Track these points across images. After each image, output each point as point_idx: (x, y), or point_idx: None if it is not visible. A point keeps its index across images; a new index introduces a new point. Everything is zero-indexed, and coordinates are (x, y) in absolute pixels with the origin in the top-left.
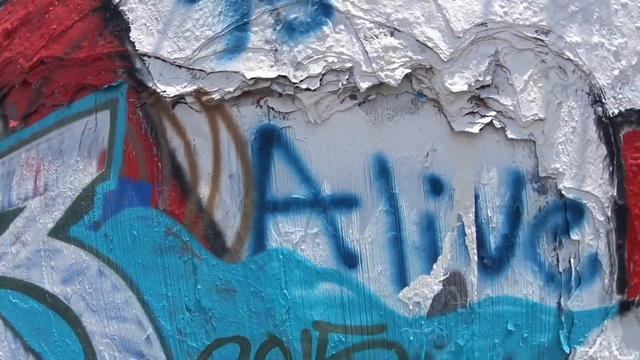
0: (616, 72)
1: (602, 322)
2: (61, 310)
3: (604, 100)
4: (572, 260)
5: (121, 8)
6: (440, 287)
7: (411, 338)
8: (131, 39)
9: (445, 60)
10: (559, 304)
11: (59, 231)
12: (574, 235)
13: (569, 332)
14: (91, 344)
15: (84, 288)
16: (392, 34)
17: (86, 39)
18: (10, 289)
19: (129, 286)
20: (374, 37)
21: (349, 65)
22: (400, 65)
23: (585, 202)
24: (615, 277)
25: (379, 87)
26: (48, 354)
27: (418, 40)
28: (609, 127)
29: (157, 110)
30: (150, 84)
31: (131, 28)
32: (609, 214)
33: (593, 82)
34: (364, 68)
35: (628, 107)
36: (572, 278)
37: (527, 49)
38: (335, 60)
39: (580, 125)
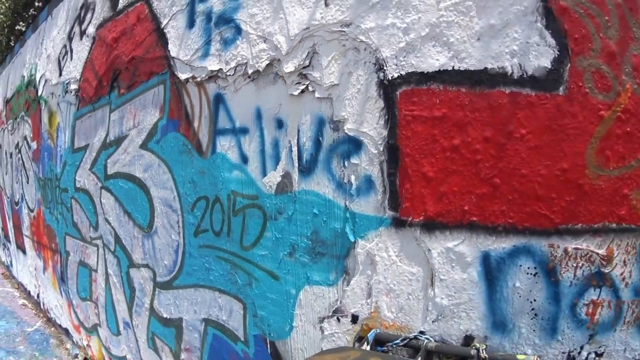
0: (402, 45)
1: (378, 228)
2: (142, 186)
3: (385, 68)
4: (352, 176)
5: (164, 30)
6: (280, 179)
7: (267, 205)
8: (168, 48)
9: (285, 54)
10: (345, 204)
11: (143, 145)
12: (354, 160)
13: (353, 226)
14: (153, 204)
15: (152, 174)
16: (264, 42)
17: (151, 47)
18: (120, 178)
19: (169, 171)
20: (256, 45)
21: (245, 61)
22: (266, 59)
23: (363, 138)
24: (388, 197)
25: (258, 72)
26: (134, 212)
27: (274, 44)
28: (388, 87)
29: (180, 85)
30: (176, 72)
31: (168, 42)
32: (382, 149)
33: (378, 56)
34: (251, 62)
35: (410, 71)
36: (353, 188)
37: (333, 39)
38: (240, 59)
39: (364, 87)
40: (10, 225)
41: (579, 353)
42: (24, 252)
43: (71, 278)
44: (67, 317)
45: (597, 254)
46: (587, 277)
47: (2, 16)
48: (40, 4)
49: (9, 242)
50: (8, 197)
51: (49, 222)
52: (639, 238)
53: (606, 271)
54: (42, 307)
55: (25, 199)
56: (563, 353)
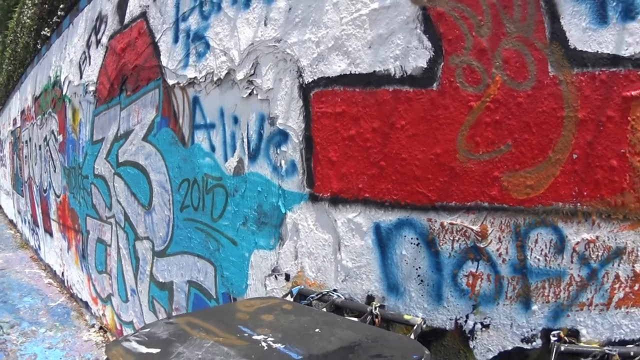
0: (315, 55)
1: (300, 202)
2: (144, 172)
3: (303, 74)
4: (282, 161)
5: (158, 44)
6: (236, 163)
7: (228, 184)
8: (160, 59)
9: (237, 65)
10: (279, 183)
11: (144, 138)
12: (283, 148)
13: (284, 201)
14: (152, 186)
15: (150, 161)
16: (224, 55)
17: (148, 57)
18: (128, 165)
19: (162, 158)
20: (219, 57)
21: (212, 70)
22: (225, 69)
23: (289, 131)
24: (306, 177)
25: (221, 79)
26: (138, 193)
27: (231, 57)
28: (305, 90)
29: (169, 89)
30: (166, 79)
31: (161, 54)
32: (301, 139)
33: (299, 65)
34: (216, 71)
35: (320, 76)
36: (283, 170)
37: (269, 52)
38: (209, 69)
39: (290, 90)
40: (39, 211)
41: (466, 322)
42: (51, 235)
43: (90, 254)
44: (87, 291)
45: (472, 229)
46: (464, 250)
47: (28, 20)
48: (62, 13)
49: (38, 227)
50: (37, 186)
51: (72, 206)
52: (512, 217)
53: (482, 246)
54: (65, 284)
55: (53, 187)
56: (450, 319)
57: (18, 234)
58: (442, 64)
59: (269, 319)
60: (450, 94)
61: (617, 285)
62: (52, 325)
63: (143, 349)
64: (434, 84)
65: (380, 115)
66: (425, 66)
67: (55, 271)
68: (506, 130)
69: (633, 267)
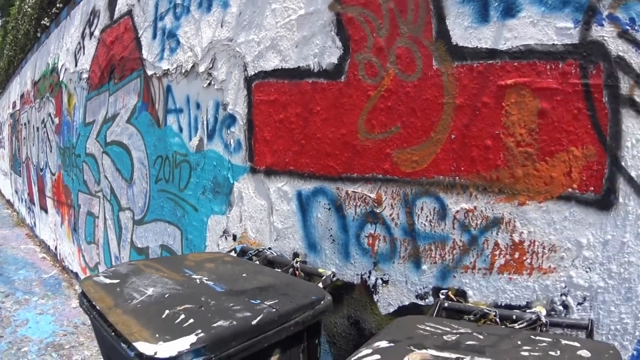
0: (256, 53)
1: (243, 174)
2: (127, 150)
3: (247, 69)
4: (232, 140)
5: (140, 39)
6: (197, 142)
7: (192, 160)
8: (142, 52)
9: (200, 59)
10: (229, 159)
11: (128, 120)
12: (232, 129)
13: (232, 173)
14: (133, 162)
15: (132, 141)
16: (190, 51)
17: (132, 50)
18: (114, 145)
19: (142, 138)
20: (186, 52)
21: (181, 64)
22: (191, 62)
23: (236, 115)
24: (248, 153)
25: (187, 71)
26: (122, 169)
27: (195, 53)
28: (248, 82)
29: (148, 79)
30: (146, 70)
31: (142, 48)
32: (245, 122)
33: (245, 61)
34: (184, 65)
35: (259, 70)
36: (232, 148)
37: (224, 50)
38: (179, 62)
39: (237, 81)
40: (35, 189)
41: (369, 277)
42: (46, 211)
43: (81, 227)
44: (77, 262)
45: (370, 197)
46: (365, 214)
47: (30, 9)
48: (61, 5)
49: (34, 205)
50: (34, 165)
51: (66, 183)
52: (401, 187)
53: (378, 211)
54: (58, 257)
55: (49, 166)
56: (357, 275)
57: (15, 213)
58: (349, 60)
59: (210, 266)
60: (354, 85)
61: (497, 252)
62: (44, 294)
63: (107, 281)
64: (342, 77)
65: (302, 102)
66: (337, 62)
67: (49, 246)
68: (396, 115)
69: (511, 236)
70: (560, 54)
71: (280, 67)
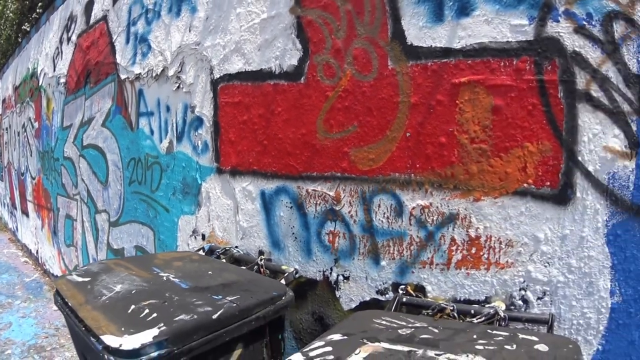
0: (222, 56)
1: (210, 174)
2: (102, 153)
3: (214, 72)
4: (199, 141)
5: (114, 43)
6: (168, 144)
7: (162, 161)
8: (116, 56)
9: (169, 63)
10: (197, 160)
11: (103, 124)
12: (200, 131)
13: (200, 174)
14: (108, 165)
15: (107, 144)
16: (161, 55)
17: (107, 55)
18: (90, 148)
19: (116, 141)
20: (157, 57)
21: (152, 67)
22: (161, 66)
23: (203, 117)
24: (214, 154)
25: (157, 75)
26: (98, 172)
27: (165, 57)
28: (214, 84)
29: (122, 83)
30: (120, 74)
31: (116, 52)
32: (211, 124)
33: (211, 64)
34: (154, 69)
35: (224, 73)
36: (200, 149)
37: (192, 53)
38: (150, 66)
39: (204, 84)
40: (17, 194)
41: (331, 274)
42: (27, 215)
43: (60, 230)
44: (57, 266)
45: (329, 195)
46: (325, 212)
47: (11, 14)
48: (40, 10)
49: (16, 209)
50: (16, 170)
51: (45, 186)
52: (359, 185)
53: (337, 209)
54: (39, 261)
55: (29, 170)
56: (319, 271)
57: None
58: (308, 62)
59: (178, 264)
60: (313, 86)
61: (454, 248)
62: (27, 297)
63: (79, 279)
64: (302, 78)
65: (264, 103)
66: (297, 64)
67: (30, 250)
68: (353, 114)
69: (467, 232)
70: (514, 51)
71: (244, 70)
